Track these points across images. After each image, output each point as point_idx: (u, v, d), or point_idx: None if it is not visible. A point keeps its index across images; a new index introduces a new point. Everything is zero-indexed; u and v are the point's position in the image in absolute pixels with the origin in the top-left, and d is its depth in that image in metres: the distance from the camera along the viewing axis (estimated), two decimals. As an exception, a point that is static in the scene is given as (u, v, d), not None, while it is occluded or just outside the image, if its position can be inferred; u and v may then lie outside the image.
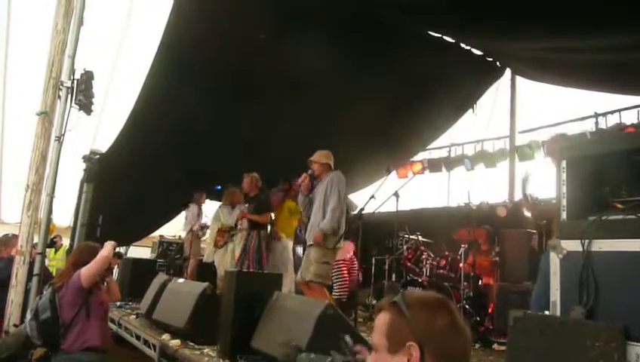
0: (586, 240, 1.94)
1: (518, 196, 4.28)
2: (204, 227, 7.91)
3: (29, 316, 3.57)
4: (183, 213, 9.27)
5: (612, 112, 6.84)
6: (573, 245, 1.99)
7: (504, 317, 5.17)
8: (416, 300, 1.29)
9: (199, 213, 7.98)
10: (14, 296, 4.39)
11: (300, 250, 6.70)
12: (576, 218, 2.07)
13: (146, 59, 6.07)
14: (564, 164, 2.14)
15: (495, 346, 4.80)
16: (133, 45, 6.97)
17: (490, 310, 5.73)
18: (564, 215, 2.09)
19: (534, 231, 5.73)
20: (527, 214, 5.07)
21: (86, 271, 3.52)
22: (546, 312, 2.07)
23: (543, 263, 3.72)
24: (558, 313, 2.01)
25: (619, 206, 1.98)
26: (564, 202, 2.11)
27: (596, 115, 6.91)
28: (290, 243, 6.68)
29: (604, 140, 2.33)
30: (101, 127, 7.93)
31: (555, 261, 2.05)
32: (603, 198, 2.06)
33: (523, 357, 1.96)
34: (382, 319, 1.31)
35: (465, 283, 5.93)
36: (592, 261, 1.92)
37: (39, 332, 3.47)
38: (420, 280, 6.34)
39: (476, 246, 6.37)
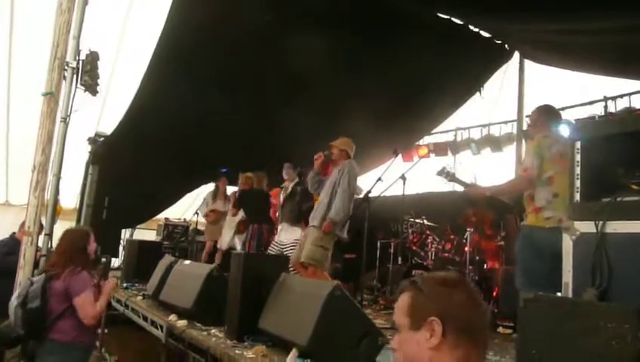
0: (600, 222, 1.92)
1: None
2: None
3: (15, 302, 3.45)
4: (188, 196, 9.34)
5: (621, 96, 6.77)
6: (586, 226, 1.97)
7: (509, 301, 5.21)
8: (433, 278, 1.36)
9: (215, 197, 8.04)
10: (22, 276, 4.40)
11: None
12: (589, 199, 2.05)
13: (150, 40, 6.02)
14: (578, 145, 2.12)
15: (500, 329, 4.80)
16: (138, 26, 6.89)
17: (495, 293, 5.73)
18: (577, 196, 2.07)
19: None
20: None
21: (92, 312, 3.51)
22: (558, 294, 2.06)
23: (516, 246, 3.69)
24: (570, 294, 1.99)
25: (634, 187, 1.95)
26: (577, 183, 2.08)
27: (605, 99, 6.84)
28: None
29: (619, 121, 2.29)
30: (106, 109, 7.90)
31: (567, 242, 2.03)
32: (617, 179, 2.03)
33: (533, 338, 1.95)
34: (402, 299, 1.36)
35: (470, 267, 5.94)
36: (605, 242, 1.90)
37: (24, 321, 3.37)
38: (425, 263, 6.35)
39: (481, 231, 6.36)
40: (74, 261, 3.55)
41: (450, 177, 4.06)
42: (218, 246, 7.53)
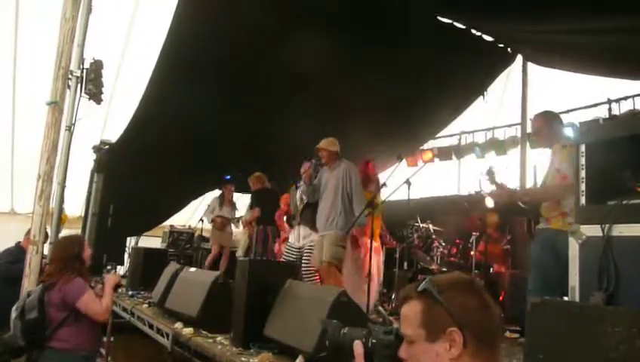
0: (607, 225, 1.90)
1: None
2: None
3: (13, 314, 3.46)
4: (192, 203, 9.36)
5: (625, 98, 6.73)
6: (592, 230, 1.96)
7: (515, 305, 5.18)
8: (446, 284, 1.27)
9: (221, 203, 8.08)
10: (28, 285, 4.41)
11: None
12: (595, 202, 2.03)
13: (154, 48, 6.05)
14: (583, 148, 2.11)
15: (507, 334, 4.78)
16: (142, 34, 6.92)
17: (501, 298, 5.71)
18: (583, 200, 2.06)
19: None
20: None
21: (99, 309, 3.51)
22: (565, 298, 2.04)
23: (535, 250, 3.58)
24: (577, 299, 1.98)
25: (640, 190, 1.94)
26: (582, 187, 2.07)
27: (609, 101, 6.80)
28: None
29: (624, 124, 2.28)
30: (110, 117, 7.93)
31: (573, 246, 2.02)
32: (623, 182, 2.02)
33: (541, 343, 1.93)
34: (412, 309, 1.28)
35: (476, 272, 5.93)
36: (612, 246, 1.89)
37: (24, 332, 3.38)
38: (430, 268, 6.33)
39: (487, 235, 6.35)
40: (69, 268, 3.53)
41: (492, 178, 3.95)
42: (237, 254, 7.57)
